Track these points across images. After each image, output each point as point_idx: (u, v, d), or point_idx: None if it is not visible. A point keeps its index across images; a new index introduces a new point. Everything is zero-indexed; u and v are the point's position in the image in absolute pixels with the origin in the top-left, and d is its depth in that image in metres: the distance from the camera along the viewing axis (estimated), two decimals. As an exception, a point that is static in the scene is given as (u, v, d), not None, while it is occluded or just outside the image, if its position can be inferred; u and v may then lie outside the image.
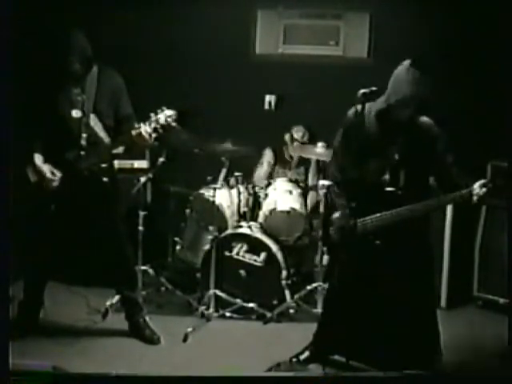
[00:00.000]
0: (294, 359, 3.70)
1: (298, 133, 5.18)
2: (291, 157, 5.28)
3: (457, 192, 3.22)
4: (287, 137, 5.23)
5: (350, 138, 3.45)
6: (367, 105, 3.30)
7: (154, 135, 3.70)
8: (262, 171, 5.25)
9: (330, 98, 5.23)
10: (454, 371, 3.51)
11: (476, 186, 3.15)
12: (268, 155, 5.31)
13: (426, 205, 3.27)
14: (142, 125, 3.68)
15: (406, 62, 3.30)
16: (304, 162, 5.27)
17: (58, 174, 3.78)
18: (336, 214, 3.49)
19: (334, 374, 3.44)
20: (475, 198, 3.16)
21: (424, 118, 3.41)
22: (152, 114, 3.70)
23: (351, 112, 3.45)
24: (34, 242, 4.00)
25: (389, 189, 3.34)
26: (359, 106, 3.30)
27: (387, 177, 3.35)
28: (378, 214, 3.33)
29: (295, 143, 5.14)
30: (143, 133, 3.66)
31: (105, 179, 3.89)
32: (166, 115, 3.68)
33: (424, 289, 3.44)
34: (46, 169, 3.77)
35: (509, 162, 4.44)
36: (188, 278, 4.79)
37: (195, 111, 4.79)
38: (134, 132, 3.68)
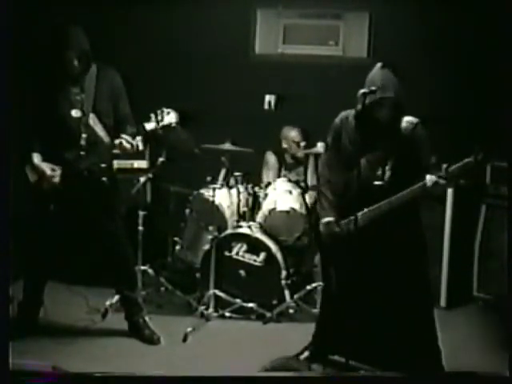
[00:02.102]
0: (294, 359, 3.70)
1: (293, 133, 5.20)
2: (292, 158, 5.29)
3: (415, 185, 3.24)
4: (285, 143, 5.24)
5: (338, 145, 3.50)
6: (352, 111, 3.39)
7: (140, 144, 3.72)
8: (271, 176, 5.25)
9: (330, 98, 5.23)
10: (453, 371, 3.50)
11: (428, 177, 3.15)
12: (271, 159, 5.31)
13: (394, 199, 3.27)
14: (123, 135, 3.71)
15: (379, 64, 3.36)
16: (302, 162, 5.29)
17: (58, 170, 3.77)
18: (324, 220, 3.50)
19: (334, 374, 3.44)
20: (430, 187, 3.15)
21: (408, 118, 3.40)
22: (152, 115, 3.69)
23: (338, 120, 3.53)
24: (33, 242, 4.01)
25: (377, 183, 3.36)
26: (345, 113, 3.46)
27: (379, 173, 3.37)
28: (366, 210, 3.35)
29: (300, 145, 5.17)
30: (124, 143, 3.70)
31: (104, 179, 3.88)
32: (169, 117, 3.68)
33: (419, 286, 3.44)
34: (46, 166, 3.76)
35: (509, 162, 4.46)
36: (188, 277, 4.80)
37: (195, 111, 4.79)
38: (116, 141, 3.71)
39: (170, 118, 3.69)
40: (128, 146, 3.70)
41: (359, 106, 3.30)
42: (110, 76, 3.88)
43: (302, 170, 5.28)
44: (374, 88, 3.26)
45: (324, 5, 5.57)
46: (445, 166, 3.17)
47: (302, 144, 5.18)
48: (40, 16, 5.07)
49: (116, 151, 3.88)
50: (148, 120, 3.69)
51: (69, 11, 5.16)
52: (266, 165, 5.33)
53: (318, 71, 5.53)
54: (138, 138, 3.74)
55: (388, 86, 3.27)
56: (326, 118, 3.62)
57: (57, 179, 3.77)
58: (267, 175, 5.29)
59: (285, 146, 5.26)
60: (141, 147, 3.81)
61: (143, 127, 3.68)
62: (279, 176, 5.18)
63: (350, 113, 3.46)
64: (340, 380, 3.10)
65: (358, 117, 3.38)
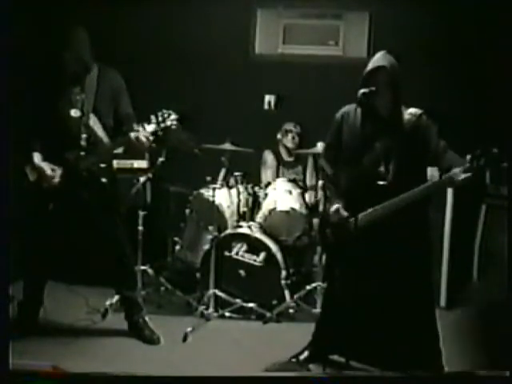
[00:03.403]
0: (294, 359, 3.70)
1: (287, 125, 5.27)
2: (289, 155, 5.30)
3: (437, 180, 3.20)
4: (279, 134, 5.30)
5: (340, 140, 3.49)
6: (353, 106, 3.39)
7: (151, 138, 3.69)
8: (269, 175, 5.26)
9: (330, 98, 5.23)
10: (453, 371, 3.50)
11: (456, 170, 3.10)
12: (269, 158, 5.33)
13: (410, 195, 3.23)
14: (140, 128, 3.66)
15: (383, 51, 3.36)
16: (301, 162, 5.30)
17: (59, 170, 3.77)
18: (333, 207, 3.47)
19: (334, 374, 3.44)
20: (457, 181, 3.11)
21: (411, 110, 3.37)
22: (152, 117, 3.68)
23: (338, 115, 3.52)
24: (33, 242, 4.00)
25: (381, 183, 3.33)
26: (346, 108, 3.46)
27: (382, 169, 3.34)
28: (370, 209, 3.33)
29: (292, 131, 5.25)
30: (141, 137, 3.66)
31: (104, 180, 3.88)
32: (169, 119, 3.67)
33: (422, 286, 3.43)
34: (46, 166, 3.76)
35: (509, 162, 4.45)
36: (188, 277, 4.79)
37: (195, 111, 4.79)
38: (132, 135, 3.67)
39: (171, 120, 3.69)
40: (145, 140, 3.67)
41: (359, 94, 3.27)
42: (110, 76, 3.88)
43: (301, 169, 5.30)
44: (373, 88, 3.25)
45: (324, 5, 5.58)
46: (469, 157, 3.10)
47: (295, 130, 5.23)
48: (40, 16, 5.06)
49: (117, 150, 3.88)
50: (148, 121, 3.68)
51: (69, 11, 5.17)
52: (264, 164, 5.35)
53: (318, 71, 5.54)
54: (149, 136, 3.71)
55: (382, 59, 3.28)
56: (326, 118, 3.62)
57: (56, 179, 3.77)
58: (265, 174, 5.30)
59: (279, 136, 5.31)
60: (154, 144, 3.80)
61: (144, 129, 3.67)
62: (277, 175, 5.19)
63: (351, 108, 3.45)
64: (340, 380, 3.10)
65: (359, 107, 3.36)
